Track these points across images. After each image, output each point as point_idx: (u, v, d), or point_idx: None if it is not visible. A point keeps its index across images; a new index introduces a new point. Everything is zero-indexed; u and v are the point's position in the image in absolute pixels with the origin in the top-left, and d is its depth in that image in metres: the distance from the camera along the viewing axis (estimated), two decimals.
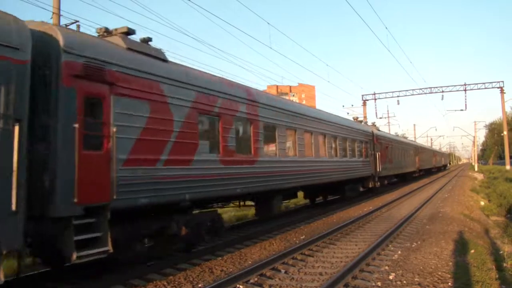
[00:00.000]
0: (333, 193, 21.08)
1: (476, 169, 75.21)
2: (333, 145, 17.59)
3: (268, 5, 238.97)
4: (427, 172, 56.91)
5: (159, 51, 8.72)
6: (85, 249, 6.23)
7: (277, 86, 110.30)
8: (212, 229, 9.93)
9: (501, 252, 11.25)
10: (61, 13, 14.07)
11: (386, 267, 8.21)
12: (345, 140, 19.10)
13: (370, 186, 24.28)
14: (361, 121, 26.93)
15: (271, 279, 7.74)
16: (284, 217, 16.16)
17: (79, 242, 6.16)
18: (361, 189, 23.65)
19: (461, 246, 10.14)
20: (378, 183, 25.06)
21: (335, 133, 17.82)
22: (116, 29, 8.20)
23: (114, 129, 6.91)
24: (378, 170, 24.38)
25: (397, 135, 41.62)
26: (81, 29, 14.83)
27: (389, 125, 65.04)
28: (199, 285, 7.38)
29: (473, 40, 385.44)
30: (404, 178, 38.96)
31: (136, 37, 8.45)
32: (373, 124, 29.21)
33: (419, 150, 46.26)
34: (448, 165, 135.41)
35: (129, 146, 7.27)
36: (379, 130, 29.06)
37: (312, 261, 9.01)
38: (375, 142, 24.43)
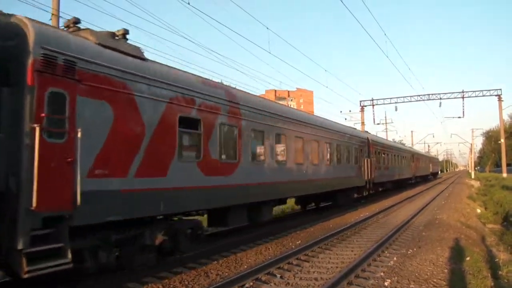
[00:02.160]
0: None
1: (473, 176, 75.38)
2: None
3: (267, 10, 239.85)
4: (399, 185, 36.99)
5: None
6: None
7: (275, 90, 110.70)
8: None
9: (497, 260, 11.26)
10: (60, 14, 14.06)
11: (382, 274, 8.21)
12: None
13: None
14: None
15: (266, 283, 7.72)
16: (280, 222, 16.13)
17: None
18: None
19: (457, 253, 10.15)
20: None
21: None
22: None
23: None
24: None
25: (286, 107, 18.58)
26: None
27: (386, 131, 65.06)
28: None
29: (471, 48, 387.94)
30: (336, 201, 20.22)
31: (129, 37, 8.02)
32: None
33: (376, 148, 26.03)
34: (445, 171, 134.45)
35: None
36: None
37: (307, 266, 9.00)
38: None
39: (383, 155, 28.35)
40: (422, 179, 54.48)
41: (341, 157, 19.14)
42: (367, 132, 29.80)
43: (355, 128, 25.87)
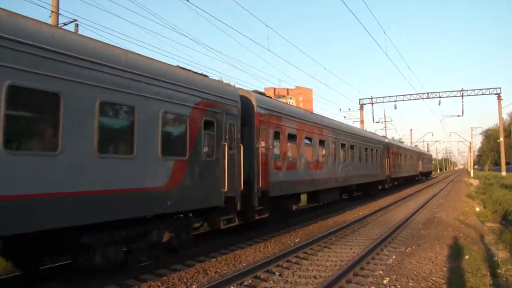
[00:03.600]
0: None
1: (472, 174, 75.47)
2: None
3: (267, 8, 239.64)
4: (365, 192, 25.85)
5: None
6: None
7: (274, 88, 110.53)
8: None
9: (496, 258, 11.28)
10: (60, 12, 14.03)
11: (381, 272, 8.21)
12: None
13: None
14: None
15: (265, 281, 7.72)
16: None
17: None
18: None
19: (456, 252, 10.16)
20: None
21: None
22: None
23: None
24: None
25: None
26: (80, 29, 14.76)
27: (385, 130, 65.01)
28: (193, 286, 7.36)
29: (471, 46, 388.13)
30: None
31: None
32: None
33: (281, 126, 13.13)
34: (444, 169, 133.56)
35: None
36: None
37: (306, 264, 9.00)
38: None
39: (306, 140, 15.54)
40: (406, 180, 40.76)
41: (127, 141, 7.45)
42: (259, 92, 13.47)
43: (199, 74, 10.01)
